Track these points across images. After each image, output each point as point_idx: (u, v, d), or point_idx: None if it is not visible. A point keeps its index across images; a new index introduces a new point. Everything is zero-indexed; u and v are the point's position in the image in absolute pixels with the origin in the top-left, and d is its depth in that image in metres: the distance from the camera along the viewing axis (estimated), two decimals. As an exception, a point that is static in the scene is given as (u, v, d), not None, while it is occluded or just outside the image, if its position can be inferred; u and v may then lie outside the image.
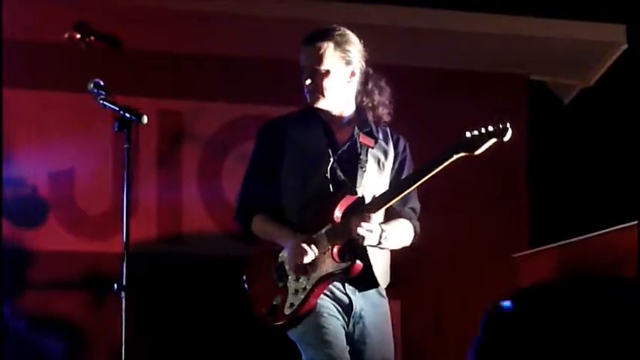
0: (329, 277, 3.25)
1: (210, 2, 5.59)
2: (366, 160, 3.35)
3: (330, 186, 3.31)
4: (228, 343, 5.60)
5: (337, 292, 3.31)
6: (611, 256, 4.54)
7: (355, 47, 3.39)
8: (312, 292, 3.24)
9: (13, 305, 5.35)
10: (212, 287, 5.58)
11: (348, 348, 3.27)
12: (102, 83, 3.41)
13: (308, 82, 3.36)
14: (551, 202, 6.31)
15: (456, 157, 3.12)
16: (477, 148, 3.10)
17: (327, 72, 3.35)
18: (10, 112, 5.23)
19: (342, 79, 3.37)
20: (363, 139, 3.39)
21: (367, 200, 3.29)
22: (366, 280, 3.30)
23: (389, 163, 3.42)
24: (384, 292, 3.39)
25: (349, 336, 3.30)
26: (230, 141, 5.94)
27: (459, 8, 5.86)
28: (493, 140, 3.09)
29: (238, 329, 5.09)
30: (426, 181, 3.19)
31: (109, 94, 3.41)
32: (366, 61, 3.42)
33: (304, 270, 3.25)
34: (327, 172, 3.32)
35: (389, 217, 3.37)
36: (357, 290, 3.31)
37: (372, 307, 3.34)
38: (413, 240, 3.42)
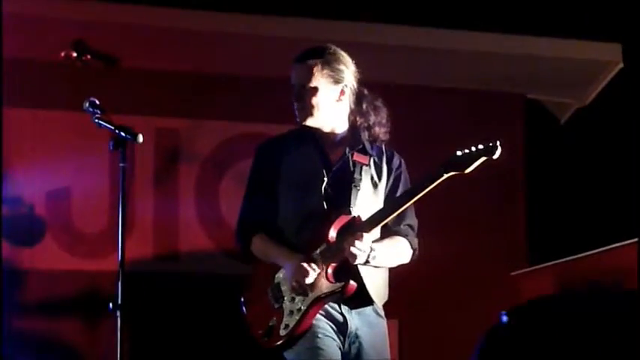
0: (324, 298, 3.24)
1: (207, 21, 5.61)
2: (360, 179, 3.34)
3: (325, 205, 3.30)
4: (225, 362, 5.58)
5: (333, 312, 3.29)
6: (610, 274, 4.54)
7: (345, 66, 3.37)
8: (307, 313, 3.23)
9: (9, 324, 5.33)
10: (208, 306, 5.56)
11: (343, 368, 3.25)
12: (97, 102, 3.40)
13: (296, 99, 3.37)
14: (549, 220, 6.31)
15: (446, 176, 3.13)
16: (467, 167, 3.11)
17: (315, 89, 3.34)
18: (7, 131, 5.22)
19: (330, 98, 3.36)
20: (357, 157, 3.38)
21: (362, 219, 3.27)
22: (360, 299, 3.28)
23: (383, 181, 3.41)
24: (381, 312, 3.37)
25: (345, 356, 3.28)
26: (227, 159, 5.94)
27: (456, 27, 5.87)
28: (483, 158, 3.10)
29: (234, 348, 5.06)
30: (418, 199, 3.18)
31: (104, 113, 3.39)
32: (359, 81, 3.41)
33: (304, 290, 3.24)
34: (321, 192, 3.31)
35: (386, 234, 3.36)
36: (351, 309, 3.30)
37: (369, 326, 3.32)
38: (412, 257, 3.41)
